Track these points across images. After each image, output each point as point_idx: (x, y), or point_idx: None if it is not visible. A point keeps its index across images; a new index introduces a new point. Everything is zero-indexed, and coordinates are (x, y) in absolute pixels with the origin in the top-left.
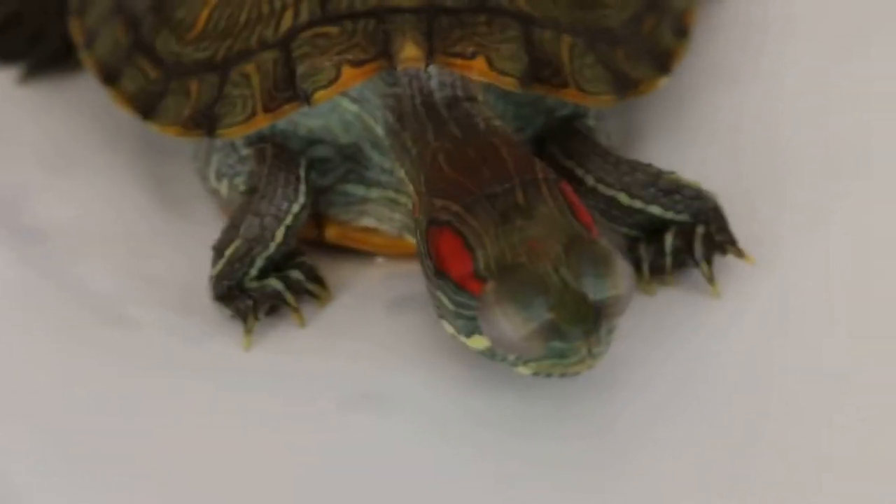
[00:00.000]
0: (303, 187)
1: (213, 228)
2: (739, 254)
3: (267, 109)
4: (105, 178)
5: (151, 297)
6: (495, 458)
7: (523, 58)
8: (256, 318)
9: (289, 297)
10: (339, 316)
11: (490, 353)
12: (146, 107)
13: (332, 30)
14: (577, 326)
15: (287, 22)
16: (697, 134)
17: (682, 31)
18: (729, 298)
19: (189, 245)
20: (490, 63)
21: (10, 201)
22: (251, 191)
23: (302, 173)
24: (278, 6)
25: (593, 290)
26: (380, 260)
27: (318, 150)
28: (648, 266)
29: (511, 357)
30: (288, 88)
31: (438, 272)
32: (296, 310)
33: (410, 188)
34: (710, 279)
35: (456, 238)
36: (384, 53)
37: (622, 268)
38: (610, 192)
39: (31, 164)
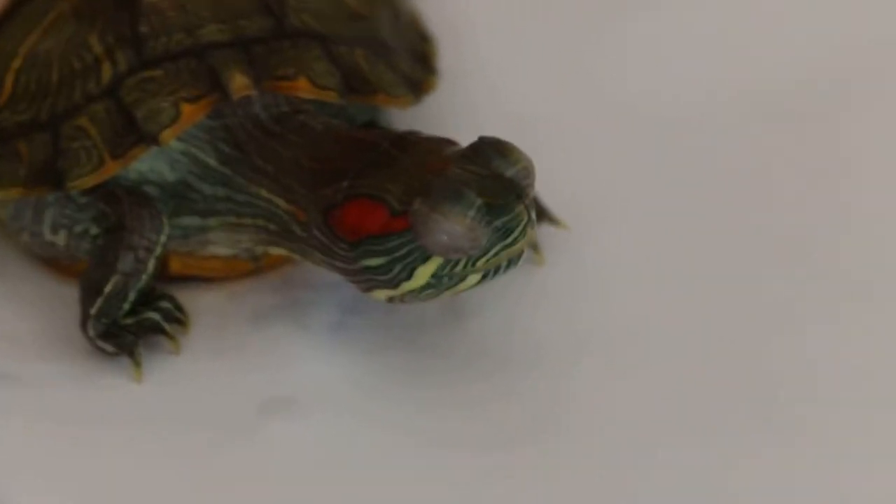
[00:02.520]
0: (164, 218)
1: (36, 284)
2: (555, 222)
3: (115, 156)
4: None
5: (16, 354)
6: (416, 432)
7: (336, 72)
8: (140, 351)
9: (167, 326)
10: (206, 338)
11: (437, 279)
12: None
13: (156, 73)
14: (509, 196)
15: (107, 73)
16: (485, 122)
17: (423, 35)
18: (551, 265)
19: (22, 303)
20: (312, 81)
21: None
22: (110, 230)
23: (158, 206)
24: (90, 60)
25: (505, 168)
26: (214, 284)
27: (146, 191)
28: None
29: (460, 266)
30: (130, 133)
31: (356, 243)
32: (173, 338)
33: (280, 202)
34: (535, 247)
35: (360, 201)
36: (216, 87)
37: (516, 146)
38: None
39: None
